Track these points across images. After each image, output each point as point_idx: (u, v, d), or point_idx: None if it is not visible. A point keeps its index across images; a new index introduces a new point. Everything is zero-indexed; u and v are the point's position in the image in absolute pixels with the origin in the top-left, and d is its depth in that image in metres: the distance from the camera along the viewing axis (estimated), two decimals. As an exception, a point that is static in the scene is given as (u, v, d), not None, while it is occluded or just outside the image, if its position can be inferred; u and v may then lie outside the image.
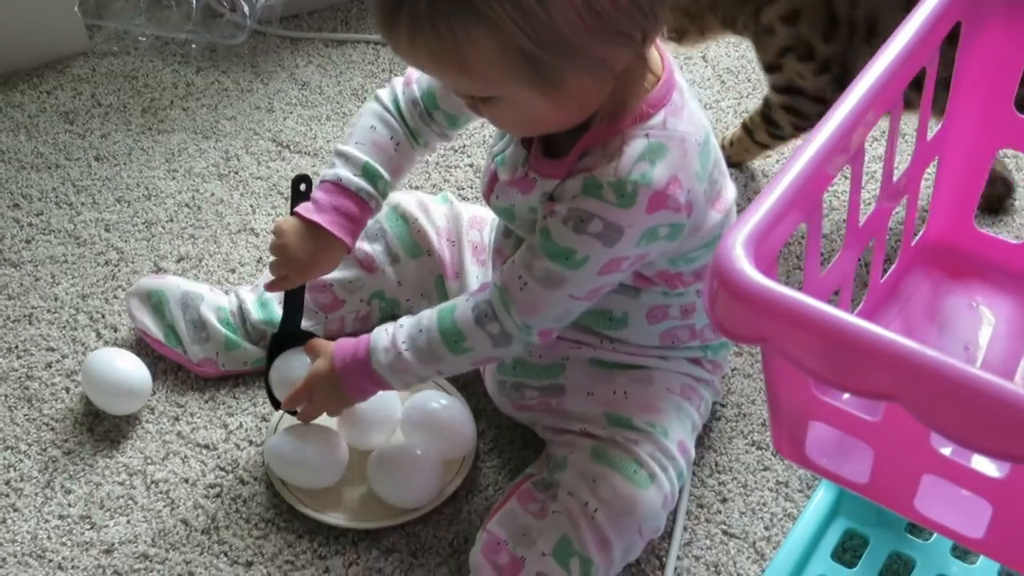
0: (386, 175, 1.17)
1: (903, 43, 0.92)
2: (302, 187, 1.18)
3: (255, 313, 1.30)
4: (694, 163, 1.01)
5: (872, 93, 0.88)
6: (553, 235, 1.01)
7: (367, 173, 1.16)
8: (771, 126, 1.47)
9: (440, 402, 1.22)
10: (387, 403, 1.21)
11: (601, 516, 1.07)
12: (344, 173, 1.15)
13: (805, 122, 1.43)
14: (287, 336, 1.23)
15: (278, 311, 1.29)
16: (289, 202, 1.20)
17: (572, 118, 1.00)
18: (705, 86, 1.70)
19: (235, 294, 1.33)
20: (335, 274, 1.29)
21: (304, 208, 1.15)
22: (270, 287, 1.19)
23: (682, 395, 1.17)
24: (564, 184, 1.02)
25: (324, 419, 1.19)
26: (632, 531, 1.08)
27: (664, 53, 1.04)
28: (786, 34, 1.34)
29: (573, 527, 1.07)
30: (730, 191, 1.11)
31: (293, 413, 1.20)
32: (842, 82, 1.36)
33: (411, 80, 1.18)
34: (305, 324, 1.30)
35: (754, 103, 1.66)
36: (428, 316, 1.10)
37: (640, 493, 1.08)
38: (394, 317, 1.34)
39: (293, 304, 1.23)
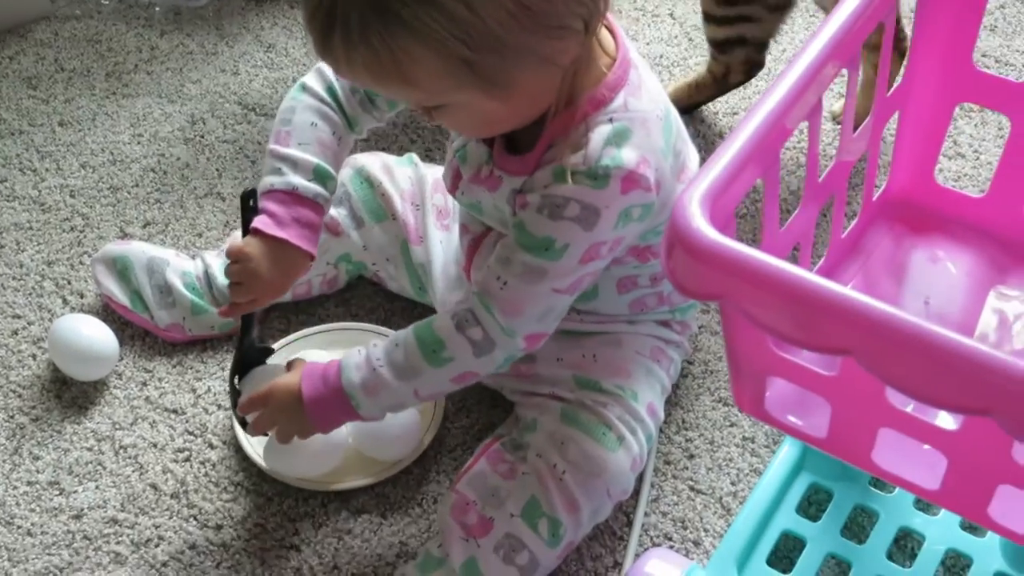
0: (334, 174, 1.12)
1: (860, -1, 0.92)
2: (251, 202, 1.11)
3: (221, 278, 1.29)
4: (658, 140, 1.01)
5: (829, 48, 0.88)
6: (529, 226, 0.99)
7: (319, 176, 1.11)
8: None
9: None
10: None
11: (569, 478, 1.07)
12: (298, 181, 1.10)
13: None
14: (250, 352, 1.17)
15: None
16: (240, 221, 1.12)
17: (525, 115, 1.00)
18: (672, 44, 1.69)
19: (201, 259, 1.32)
20: None
21: (264, 224, 1.09)
22: (231, 311, 1.11)
23: (651, 357, 1.17)
24: (532, 178, 1.01)
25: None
26: (600, 493, 1.09)
27: (617, 31, 1.03)
28: None
29: (542, 488, 1.07)
30: (693, 159, 1.10)
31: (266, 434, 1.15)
32: None
33: None
34: None
35: (722, 60, 1.66)
36: (405, 331, 1.06)
37: (608, 455, 1.09)
38: (361, 280, 1.35)
39: (251, 320, 1.16)
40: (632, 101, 1.00)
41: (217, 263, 1.31)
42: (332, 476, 1.18)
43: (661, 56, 1.67)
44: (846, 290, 0.70)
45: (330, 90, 1.13)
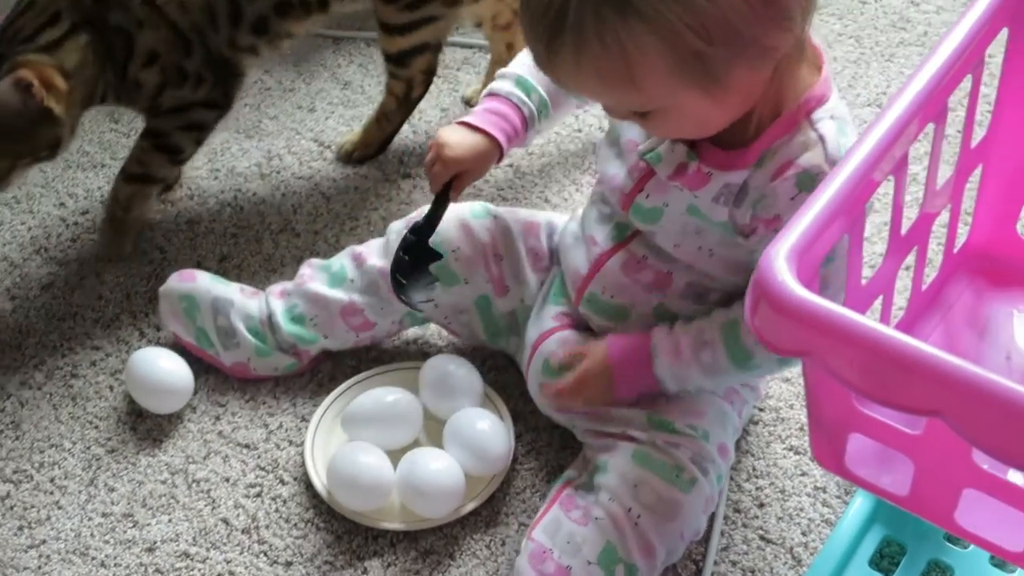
0: (541, 92, 1.20)
1: (948, 52, 0.91)
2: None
3: (285, 327, 1.30)
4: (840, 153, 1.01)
5: (916, 104, 0.88)
6: None
7: (520, 84, 1.20)
8: (173, 152, 1.45)
9: (482, 421, 1.21)
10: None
11: (644, 522, 1.07)
12: (498, 84, 1.21)
13: (206, 132, 1.45)
14: (422, 249, 1.18)
15: (309, 327, 1.29)
16: None
17: (734, 114, 1.00)
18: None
19: (266, 301, 1.32)
20: (364, 299, 1.28)
21: (464, 116, 1.21)
22: (434, 186, 1.19)
23: (725, 398, 1.17)
24: (771, 186, 1.00)
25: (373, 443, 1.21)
26: (675, 535, 1.09)
27: (816, 44, 1.04)
28: (154, 75, 1.35)
29: (617, 533, 1.07)
30: None
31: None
32: (224, 77, 1.40)
33: None
34: (335, 344, 1.31)
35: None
36: (711, 330, 1.09)
37: (682, 497, 1.09)
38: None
39: (437, 209, 1.19)
40: (841, 105, 1.03)
41: (280, 308, 1.31)
42: (380, 514, 1.19)
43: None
44: (937, 351, 0.69)
45: None
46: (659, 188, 1.08)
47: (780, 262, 0.76)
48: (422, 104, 1.67)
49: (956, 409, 0.69)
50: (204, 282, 1.33)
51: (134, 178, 1.43)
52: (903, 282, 1.10)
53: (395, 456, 1.20)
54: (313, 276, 1.31)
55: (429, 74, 1.54)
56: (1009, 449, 0.68)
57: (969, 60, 0.94)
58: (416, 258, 1.18)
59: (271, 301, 1.32)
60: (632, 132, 1.11)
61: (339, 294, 1.28)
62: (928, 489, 0.84)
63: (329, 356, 1.34)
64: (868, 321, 0.71)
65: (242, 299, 1.32)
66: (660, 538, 1.07)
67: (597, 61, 0.91)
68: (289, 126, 1.66)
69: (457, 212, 1.27)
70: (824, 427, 0.88)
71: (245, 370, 1.32)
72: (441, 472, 1.17)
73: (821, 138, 0.99)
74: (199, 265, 1.46)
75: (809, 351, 0.74)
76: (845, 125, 1.02)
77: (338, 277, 1.30)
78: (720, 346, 1.08)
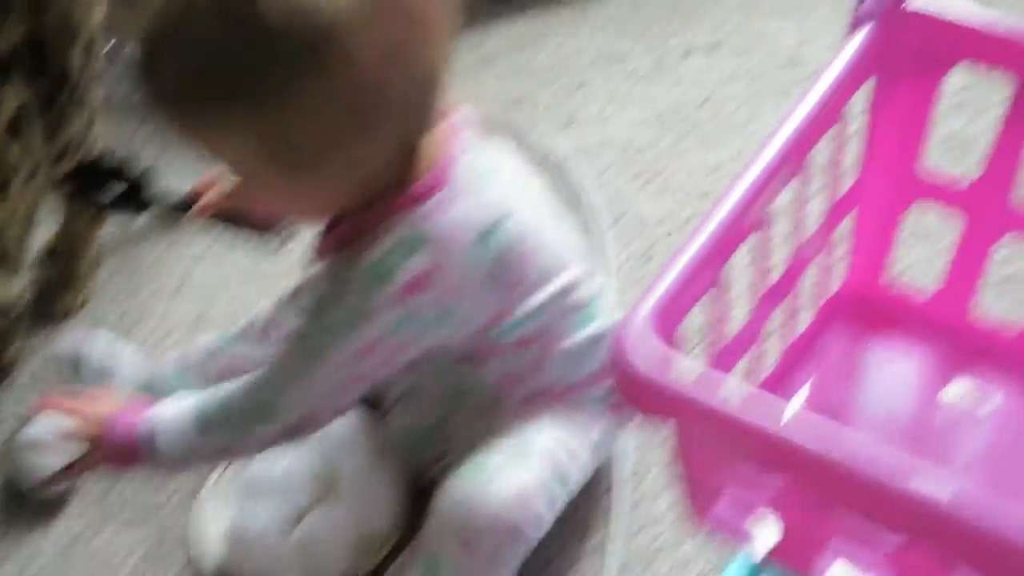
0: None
1: (813, 102, 0.93)
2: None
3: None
4: (462, 256, 1.00)
5: (781, 155, 0.89)
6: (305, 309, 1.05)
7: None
8: None
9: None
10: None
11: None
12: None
13: None
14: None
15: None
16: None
17: (318, 213, 1.02)
18: (644, 126, 1.70)
19: None
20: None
21: None
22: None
23: None
24: (318, 272, 1.05)
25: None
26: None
27: (450, 144, 1.02)
28: None
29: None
30: (555, 266, 1.09)
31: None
32: None
33: None
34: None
35: (692, 142, 1.67)
36: None
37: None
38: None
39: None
40: (438, 215, 1.00)
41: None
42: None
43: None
44: (787, 419, 0.70)
45: None
46: None
47: (640, 325, 0.76)
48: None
49: (802, 475, 0.71)
50: None
51: None
52: (786, 329, 1.12)
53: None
54: None
55: None
56: (855, 509, 0.70)
57: (834, 110, 0.96)
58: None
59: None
60: None
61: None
62: (795, 542, 0.85)
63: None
64: (725, 385, 0.72)
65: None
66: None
67: (172, 115, 0.94)
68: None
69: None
70: (691, 481, 0.88)
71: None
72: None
73: (374, 243, 0.99)
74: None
75: (671, 416, 0.76)
76: (423, 239, 0.98)
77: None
78: None
